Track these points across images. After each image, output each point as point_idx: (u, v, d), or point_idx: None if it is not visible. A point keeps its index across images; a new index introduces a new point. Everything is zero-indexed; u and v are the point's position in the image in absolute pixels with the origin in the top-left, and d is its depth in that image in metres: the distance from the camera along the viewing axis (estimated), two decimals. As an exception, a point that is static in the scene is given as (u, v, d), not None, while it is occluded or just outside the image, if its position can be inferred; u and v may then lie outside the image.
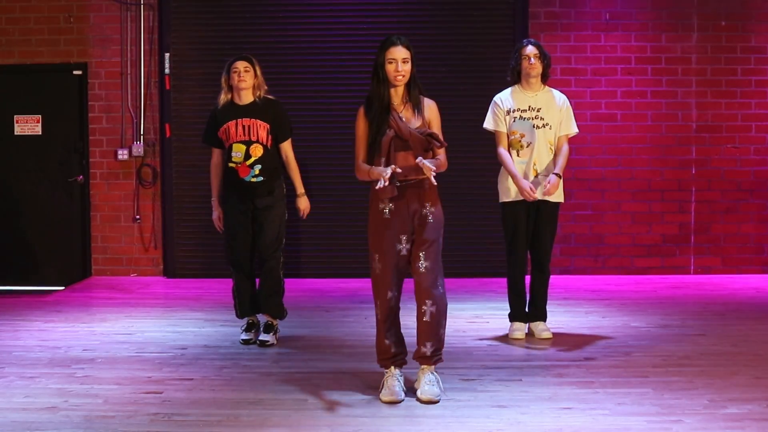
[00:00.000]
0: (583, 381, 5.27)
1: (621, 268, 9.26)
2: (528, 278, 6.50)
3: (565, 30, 9.18)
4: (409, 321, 5.31)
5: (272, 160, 6.30)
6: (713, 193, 9.26)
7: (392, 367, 5.02)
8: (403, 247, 4.96)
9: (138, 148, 9.23)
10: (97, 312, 7.53)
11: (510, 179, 6.30)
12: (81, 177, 9.29)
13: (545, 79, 6.38)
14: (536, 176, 6.28)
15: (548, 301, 6.52)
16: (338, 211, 9.25)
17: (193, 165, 9.22)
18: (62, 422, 4.58)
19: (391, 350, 5.02)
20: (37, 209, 9.37)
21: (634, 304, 7.66)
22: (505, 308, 6.61)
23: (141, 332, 6.71)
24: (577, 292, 8.33)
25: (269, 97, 6.34)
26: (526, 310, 6.48)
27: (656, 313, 7.29)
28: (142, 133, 9.27)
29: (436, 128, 5.03)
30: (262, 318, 6.53)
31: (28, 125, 9.30)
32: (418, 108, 4.99)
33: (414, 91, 4.99)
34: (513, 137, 6.32)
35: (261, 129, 6.24)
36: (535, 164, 6.28)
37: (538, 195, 6.22)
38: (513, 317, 6.48)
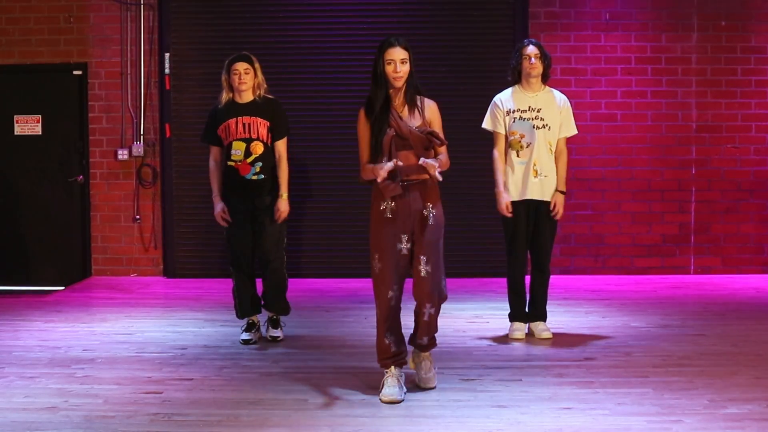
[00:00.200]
0: (583, 381, 5.27)
1: (621, 268, 9.26)
2: (528, 278, 6.50)
3: (565, 30, 9.18)
4: (408, 321, 5.32)
5: (273, 158, 6.32)
6: (713, 193, 9.26)
7: (392, 367, 5.04)
8: (404, 246, 4.98)
9: (138, 148, 9.23)
10: (97, 312, 7.53)
11: (510, 179, 6.31)
12: (81, 177, 9.29)
13: (546, 79, 6.39)
14: (536, 177, 6.29)
15: (548, 301, 6.52)
16: (338, 211, 9.25)
17: (193, 165, 9.21)
18: (62, 422, 4.58)
19: (391, 350, 5.04)
20: (37, 209, 9.37)
21: (634, 304, 7.66)
22: (505, 308, 6.61)
23: (141, 332, 6.71)
24: (577, 292, 8.33)
25: (269, 96, 6.35)
26: (526, 310, 6.48)
27: (656, 313, 7.29)
28: (142, 133, 9.27)
29: (437, 128, 5.05)
30: (262, 317, 6.56)
31: (28, 125, 9.30)
32: (417, 108, 5.02)
33: (411, 91, 5.01)
34: (513, 138, 6.32)
35: (261, 126, 6.25)
36: (535, 165, 6.28)
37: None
38: (513, 317, 6.48)
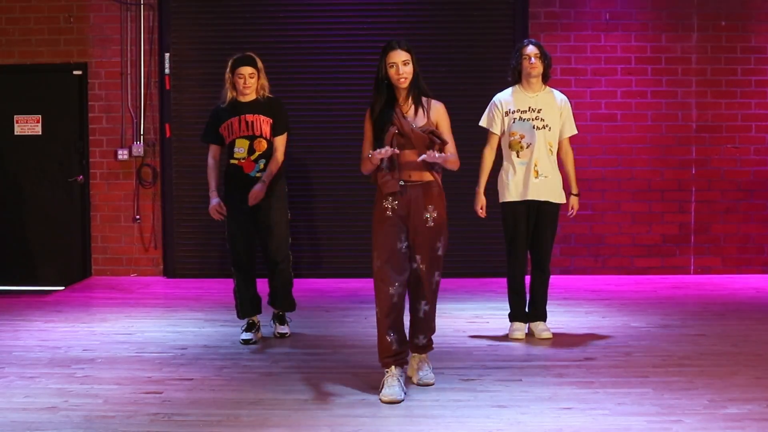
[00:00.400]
0: (583, 381, 5.27)
1: (621, 268, 9.26)
2: (528, 278, 6.50)
3: (565, 30, 9.18)
4: (405, 320, 5.33)
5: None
6: (713, 193, 9.26)
7: (393, 367, 5.04)
8: (403, 245, 5.04)
9: (138, 148, 9.23)
10: (97, 312, 7.53)
11: (511, 179, 6.31)
12: (81, 177, 9.29)
13: (546, 79, 6.39)
14: (537, 177, 6.29)
15: (548, 301, 6.52)
16: (338, 211, 9.25)
17: (193, 165, 9.21)
18: (62, 422, 4.58)
19: (393, 348, 5.04)
20: (37, 209, 9.37)
21: (634, 304, 7.66)
22: (505, 308, 6.61)
23: (141, 332, 6.71)
24: (577, 292, 8.33)
25: (269, 95, 6.38)
26: (526, 310, 6.48)
27: (656, 313, 7.29)
28: (142, 133, 9.27)
29: (445, 129, 5.12)
30: (266, 316, 6.59)
31: (28, 125, 9.30)
32: (423, 108, 5.09)
33: (416, 91, 5.08)
34: (513, 138, 6.32)
35: (264, 124, 6.28)
36: (535, 165, 6.28)
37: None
38: (513, 317, 6.48)
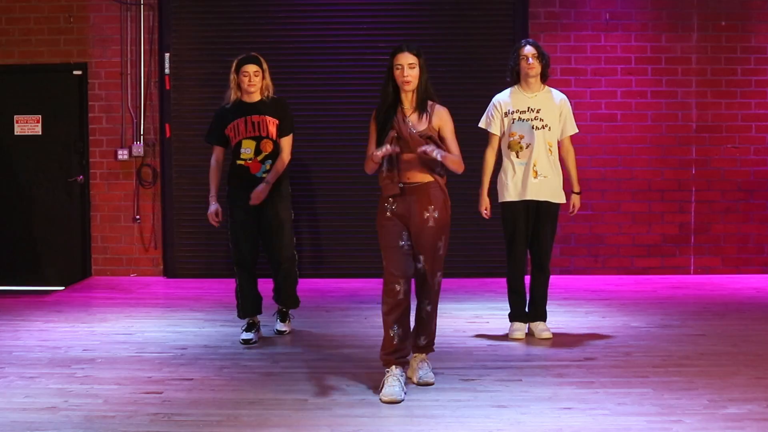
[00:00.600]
0: (583, 381, 5.27)
1: (621, 268, 9.26)
2: (528, 278, 6.51)
3: (565, 30, 9.18)
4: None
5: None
6: (713, 193, 9.26)
7: (393, 367, 5.06)
8: (405, 243, 5.12)
9: (138, 148, 9.23)
10: (97, 312, 7.52)
11: (510, 179, 6.31)
12: (81, 177, 9.29)
13: (544, 78, 6.39)
14: (536, 177, 6.29)
15: (548, 301, 6.52)
16: (338, 211, 9.25)
17: (193, 165, 9.22)
18: (62, 422, 4.58)
19: (394, 343, 5.06)
20: (37, 209, 9.37)
21: (634, 304, 7.66)
22: (505, 308, 6.61)
23: (141, 332, 6.71)
24: (577, 292, 8.33)
25: (274, 96, 6.41)
26: (526, 310, 6.48)
27: (656, 313, 7.29)
28: (142, 133, 9.27)
29: (448, 133, 5.16)
30: (267, 315, 6.59)
31: (28, 125, 9.30)
32: (426, 113, 5.13)
33: (421, 96, 5.13)
34: (512, 139, 6.33)
35: (271, 125, 6.31)
36: (535, 165, 6.28)
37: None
38: (513, 317, 6.48)
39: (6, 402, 4.94)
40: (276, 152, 6.32)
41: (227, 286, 8.14)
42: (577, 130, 6.49)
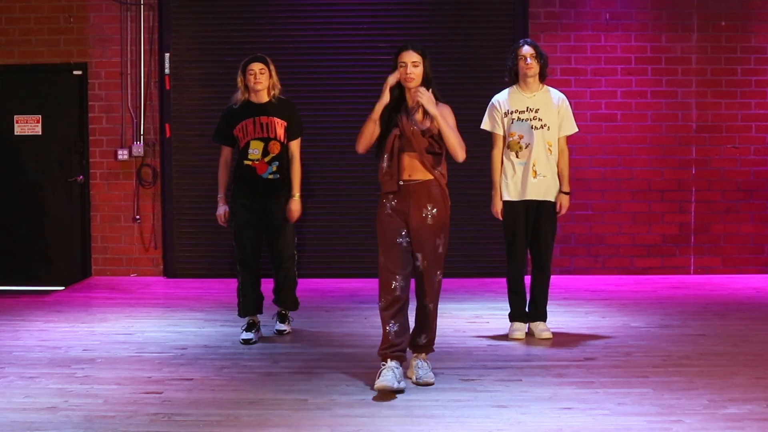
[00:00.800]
0: (583, 381, 5.27)
1: (621, 268, 9.26)
2: (528, 278, 6.50)
3: (565, 30, 9.18)
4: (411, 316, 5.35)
5: (288, 158, 6.42)
6: (713, 193, 9.26)
7: (389, 359, 5.11)
8: (404, 240, 5.15)
9: (138, 148, 9.23)
10: (97, 312, 7.52)
11: (510, 180, 6.31)
12: (81, 177, 9.29)
13: (543, 78, 6.39)
14: (535, 177, 6.29)
15: (548, 301, 6.52)
16: (338, 211, 9.25)
17: (193, 165, 9.22)
18: (62, 422, 4.58)
19: (390, 338, 5.10)
20: (37, 209, 9.37)
21: (634, 304, 7.66)
22: (505, 308, 6.61)
23: (141, 332, 6.71)
24: (577, 292, 8.33)
25: (282, 97, 6.44)
26: (527, 309, 6.48)
27: (656, 313, 7.29)
28: (142, 133, 9.27)
29: (449, 118, 5.19)
30: (269, 314, 6.61)
31: (28, 125, 9.30)
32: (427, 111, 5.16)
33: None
34: (511, 139, 6.32)
35: (279, 126, 6.34)
36: (534, 165, 6.28)
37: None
38: (513, 317, 6.48)
39: (6, 402, 4.94)
40: (283, 154, 6.36)
41: (227, 286, 8.15)
42: (576, 130, 6.47)
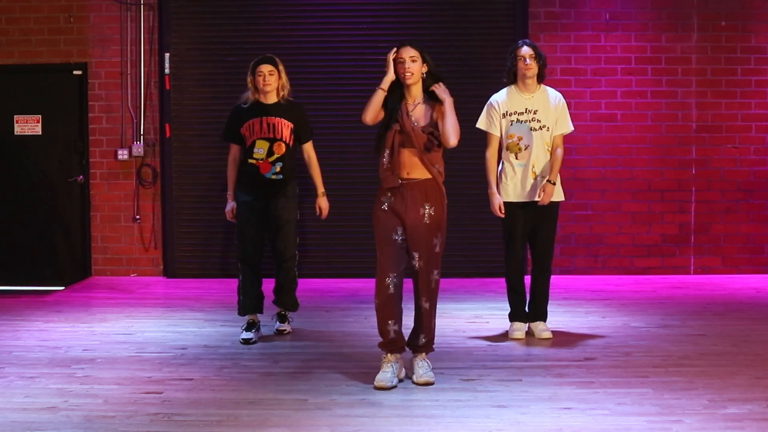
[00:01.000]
0: (583, 381, 5.27)
1: (621, 268, 9.26)
2: (528, 278, 6.50)
3: (565, 30, 9.18)
4: (408, 321, 5.34)
5: (292, 159, 6.46)
6: (713, 193, 9.26)
7: (389, 354, 5.17)
8: (399, 237, 5.19)
9: (138, 148, 9.23)
10: (97, 312, 7.52)
11: (510, 181, 6.31)
12: (81, 177, 9.29)
13: (541, 79, 6.38)
14: (535, 179, 6.29)
15: (548, 301, 6.52)
16: (338, 211, 9.20)
17: (193, 165, 9.23)
18: (62, 422, 4.58)
19: (389, 336, 5.18)
20: (37, 209, 9.36)
21: (634, 304, 7.66)
22: (505, 308, 6.61)
23: (141, 332, 6.71)
24: (577, 292, 8.33)
25: (291, 99, 6.48)
26: (526, 309, 6.48)
27: (656, 313, 7.29)
28: (142, 133, 9.27)
29: (448, 105, 5.21)
30: (269, 314, 6.62)
31: (28, 125, 9.30)
32: (428, 107, 5.21)
33: (425, 90, 5.24)
34: (511, 141, 6.31)
35: (285, 128, 6.37)
36: (533, 166, 6.28)
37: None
38: (513, 317, 6.48)
39: (6, 402, 4.94)
40: (287, 155, 6.39)
41: (227, 286, 8.15)
42: (572, 129, 6.43)
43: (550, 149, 6.33)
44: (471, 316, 7.21)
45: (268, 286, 6.60)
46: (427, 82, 5.23)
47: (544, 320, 6.47)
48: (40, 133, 9.30)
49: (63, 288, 8.82)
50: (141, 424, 4.56)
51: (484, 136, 6.45)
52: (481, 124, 6.42)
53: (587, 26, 9.18)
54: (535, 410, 4.72)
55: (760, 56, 9.18)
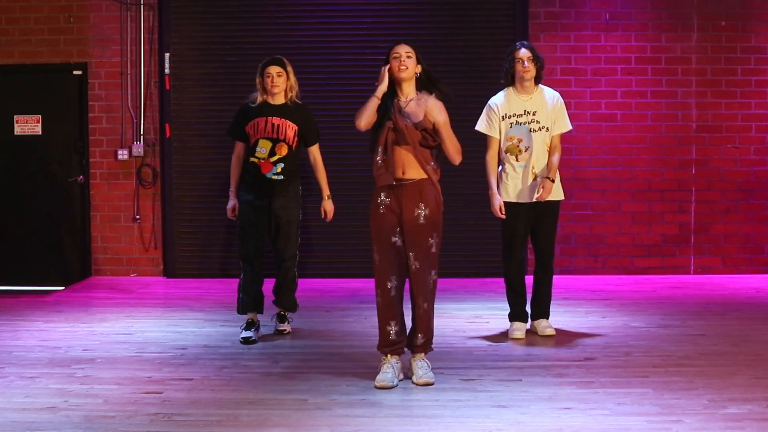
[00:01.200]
0: (583, 381, 5.27)
1: (621, 268, 9.26)
2: (529, 277, 6.51)
3: (565, 30, 9.18)
4: (406, 320, 5.34)
5: (294, 161, 6.46)
6: (713, 193, 9.26)
7: (389, 355, 5.18)
8: (398, 240, 5.20)
9: (138, 148, 9.23)
10: (97, 312, 7.53)
11: (510, 182, 6.31)
12: (81, 177, 9.29)
13: (539, 80, 6.38)
14: (534, 179, 6.29)
15: (551, 300, 6.53)
16: (339, 211, 9.18)
17: (193, 165, 9.23)
18: (62, 422, 4.58)
19: (389, 338, 5.20)
20: (37, 209, 9.36)
21: (634, 304, 7.66)
22: (505, 308, 6.62)
23: (141, 332, 6.71)
24: (577, 292, 8.33)
25: (298, 101, 6.50)
26: (528, 307, 6.49)
27: (656, 313, 7.29)
28: (142, 133, 9.27)
29: (443, 126, 5.21)
30: (268, 315, 6.63)
31: (28, 125, 9.30)
32: (422, 105, 5.21)
33: (419, 88, 5.26)
34: (511, 143, 6.31)
35: (289, 129, 6.39)
36: (533, 167, 6.29)
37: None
38: (513, 317, 6.48)
39: (6, 402, 4.94)
40: (290, 157, 6.40)
41: (227, 286, 8.15)
42: (570, 128, 6.44)
43: (549, 149, 6.33)
44: (471, 316, 7.21)
45: (269, 286, 6.60)
46: (422, 82, 5.24)
47: (547, 317, 6.47)
48: (40, 133, 9.30)
49: (63, 288, 8.83)
50: (141, 424, 4.56)
51: (483, 137, 6.45)
52: (481, 127, 6.42)
53: (587, 26, 9.18)
54: (535, 410, 4.72)
55: (760, 56, 9.18)
